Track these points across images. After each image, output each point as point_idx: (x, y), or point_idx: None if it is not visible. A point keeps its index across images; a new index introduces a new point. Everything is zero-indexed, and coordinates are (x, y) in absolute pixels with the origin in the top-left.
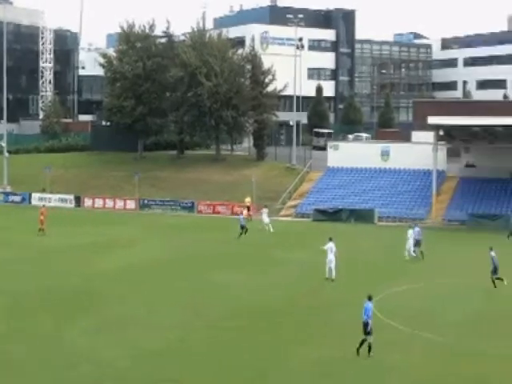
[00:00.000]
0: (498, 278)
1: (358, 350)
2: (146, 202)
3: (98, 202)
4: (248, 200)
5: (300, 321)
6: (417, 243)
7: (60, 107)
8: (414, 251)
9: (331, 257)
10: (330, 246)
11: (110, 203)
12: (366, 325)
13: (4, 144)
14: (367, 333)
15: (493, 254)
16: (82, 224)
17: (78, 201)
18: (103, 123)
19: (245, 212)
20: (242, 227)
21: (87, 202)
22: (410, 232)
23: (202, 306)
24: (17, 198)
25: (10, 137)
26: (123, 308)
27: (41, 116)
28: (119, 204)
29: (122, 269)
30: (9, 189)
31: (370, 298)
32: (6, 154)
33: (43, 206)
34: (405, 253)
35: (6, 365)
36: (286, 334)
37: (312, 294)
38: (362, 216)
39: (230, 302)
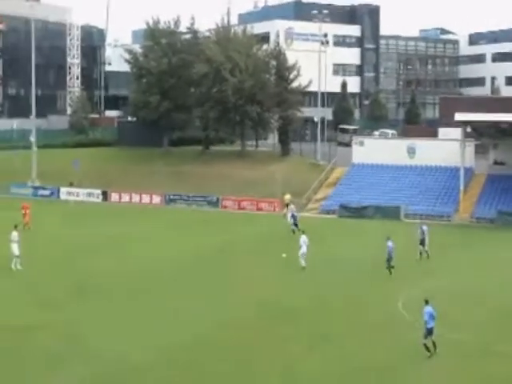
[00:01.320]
0: (391, 267)
1: (434, 350)
2: (171, 197)
3: (125, 197)
4: (288, 197)
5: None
6: (422, 242)
7: (87, 103)
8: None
9: (304, 249)
10: (304, 239)
11: (136, 198)
12: (430, 330)
13: (33, 139)
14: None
15: (389, 243)
16: (108, 218)
17: (105, 195)
18: (129, 118)
19: (285, 210)
20: (296, 224)
21: (114, 197)
22: (425, 228)
23: (221, 302)
24: (46, 192)
25: (39, 132)
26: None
27: (68, 111)
28: (145, 199)
29: (150, 263)
30: (37, 183)
31: (427, 302)
32: (35, 149)
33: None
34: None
35: None
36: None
37: (342, 292)
38: (387, 213)
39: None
